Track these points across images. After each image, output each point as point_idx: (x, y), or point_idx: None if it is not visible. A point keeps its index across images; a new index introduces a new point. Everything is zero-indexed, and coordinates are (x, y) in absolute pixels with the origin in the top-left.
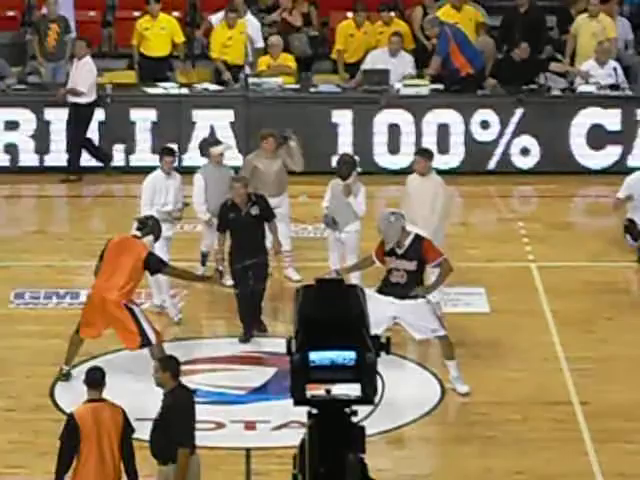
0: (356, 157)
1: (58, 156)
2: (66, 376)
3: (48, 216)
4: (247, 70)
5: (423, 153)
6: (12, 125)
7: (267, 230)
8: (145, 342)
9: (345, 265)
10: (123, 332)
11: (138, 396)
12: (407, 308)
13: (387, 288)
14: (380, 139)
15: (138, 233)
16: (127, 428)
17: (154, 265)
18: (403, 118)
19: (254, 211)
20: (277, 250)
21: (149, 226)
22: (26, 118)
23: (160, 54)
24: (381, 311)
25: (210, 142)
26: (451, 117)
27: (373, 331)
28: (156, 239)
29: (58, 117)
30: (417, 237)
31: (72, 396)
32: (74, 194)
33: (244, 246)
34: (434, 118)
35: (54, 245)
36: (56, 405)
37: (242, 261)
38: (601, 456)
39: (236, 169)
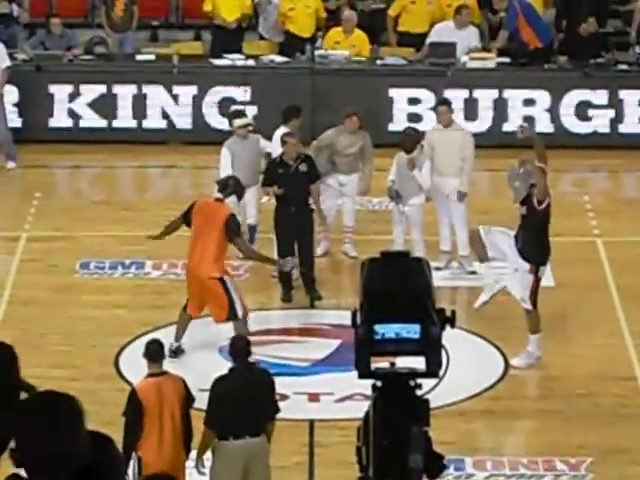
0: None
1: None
2: (175, 352)
3: (113, 186)
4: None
5: (447, 103)
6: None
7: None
8: (231, 316)
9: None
10: (214, 307)
11: (202, 366)
12: (518, 269)
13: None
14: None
15: (220, 195)
16: (188, 398)
17: (232, 229)
18: (474, 92)
19: (302, 168)
20: (321, 217)
21: (230, 186)
22: (92, 88)
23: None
24: (509, 249)
25: (233, 114)
26: (516, 91)
27: (495, 251)
28: (239, 199)
29: (124, 88)
30: (531, 187)
31: (137, 366)
32: (139, 164)
33: (290, 202)
34: (501, 92)
35: (119, 215)
36: (120, 375)
37: (287, 217)
38: None
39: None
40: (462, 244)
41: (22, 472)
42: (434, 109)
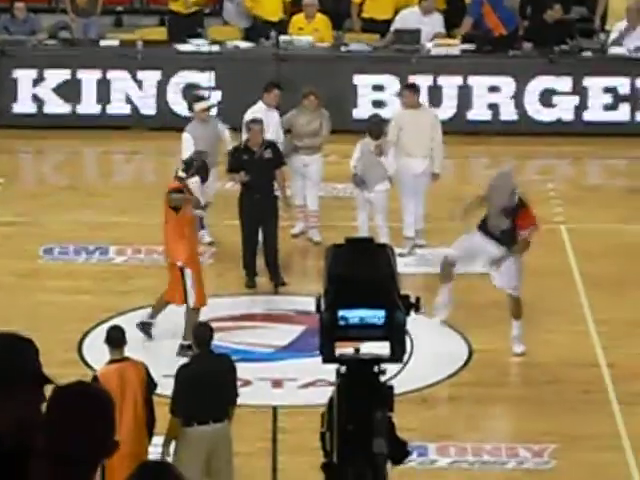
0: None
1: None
2: (142, 325)
3: (77, 172)
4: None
5: (410, 87)
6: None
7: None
8: (184, 303)
9: (465, 207)
10: (172, 290)
11: (167, 352)
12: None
13: (487, 230)
14: None
15: (182, 174)
16: (150, 384)
17: (169, 199)
18: (438, 79)
19: (267, 154)
20: (287, 203)
21: (194, 167)
22: (57, 73)
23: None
24: (485, 251)
25: (194, 98)
26: (481, 78)
27: (471, 266)
28: (203, 180)
29: (88, 73)
30: (520, 201)
31: (100, 352)
32: (103, 150)
33: (254, 189)
34: (465, 79)
35: (83, 201)
36: (84, 360)
37: (251, 204)
38: (627, 418)
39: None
40: (418, 218)
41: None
42: (399, 94)
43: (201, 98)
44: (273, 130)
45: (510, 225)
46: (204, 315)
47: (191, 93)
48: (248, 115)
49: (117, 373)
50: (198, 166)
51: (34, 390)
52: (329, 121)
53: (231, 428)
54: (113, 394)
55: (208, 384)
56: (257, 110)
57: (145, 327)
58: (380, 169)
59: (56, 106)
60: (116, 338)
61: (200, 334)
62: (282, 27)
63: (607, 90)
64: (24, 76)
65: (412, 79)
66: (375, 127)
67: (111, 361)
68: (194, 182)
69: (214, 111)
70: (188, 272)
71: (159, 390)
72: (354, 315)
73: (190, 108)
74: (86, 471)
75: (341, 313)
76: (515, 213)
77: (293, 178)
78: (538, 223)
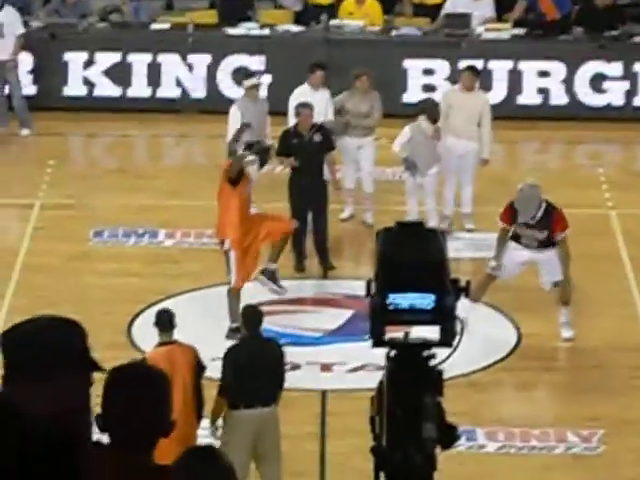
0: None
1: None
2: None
3: (127, 155)
4: None
5: (472, 69)
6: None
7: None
8: (228, 284)
9: (495, 256)
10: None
11: (214, 335)
12: (544, 256)
13: (521, 243)
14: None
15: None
16: (198, 367)
17: (225, 171)
18: (489, 63)
19: (317, 138)
20: (336, 187)
21: (254, 149)
22: (107, 56)
23: None
24: (518, 261)
25: (244, 74)
26: (531, 63)
27: (510, 275)
28: (262, 164)
29: (139, 56)
30: (549, 206)
31: (149, 334)
32: (153, 133)
33: (304, 172)
34: (516, 64)
35: (133, 184)
36: (132, 343)
37: (301, 187)
38: None
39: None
40: (466, 201)
41: (104, 438)
42: (449, 78)
43: (251, 75)
44: (322, 110)
45: (547, 233)
46: (254, 298)
47: (241, 70)
48: (294, 97)
49: (166, 356)
50: (259, 149)
51: (79, 374)
52: (380, 103)
53: (278, 412)
54: None
55: (256, 367)
56: (302, 92)
57: (270, 275)
58: (433, 152)
59: (106, 89)
60: (165, 321)
61: (250, 317)
62: (333, 10)
63: None
64: (75, 59)
65: (462, 63)
66: (432, 110)
67: (160, 344)
68: (252, 168)
69: (263, 92)
70: (232, 254)
71: (208, 373)
72: (404, 299)
73: (239, 84)
74: (145, 452)
75: (391, 297)
76: (549, 220)
77: (344, 161)
78: (569, 225)
